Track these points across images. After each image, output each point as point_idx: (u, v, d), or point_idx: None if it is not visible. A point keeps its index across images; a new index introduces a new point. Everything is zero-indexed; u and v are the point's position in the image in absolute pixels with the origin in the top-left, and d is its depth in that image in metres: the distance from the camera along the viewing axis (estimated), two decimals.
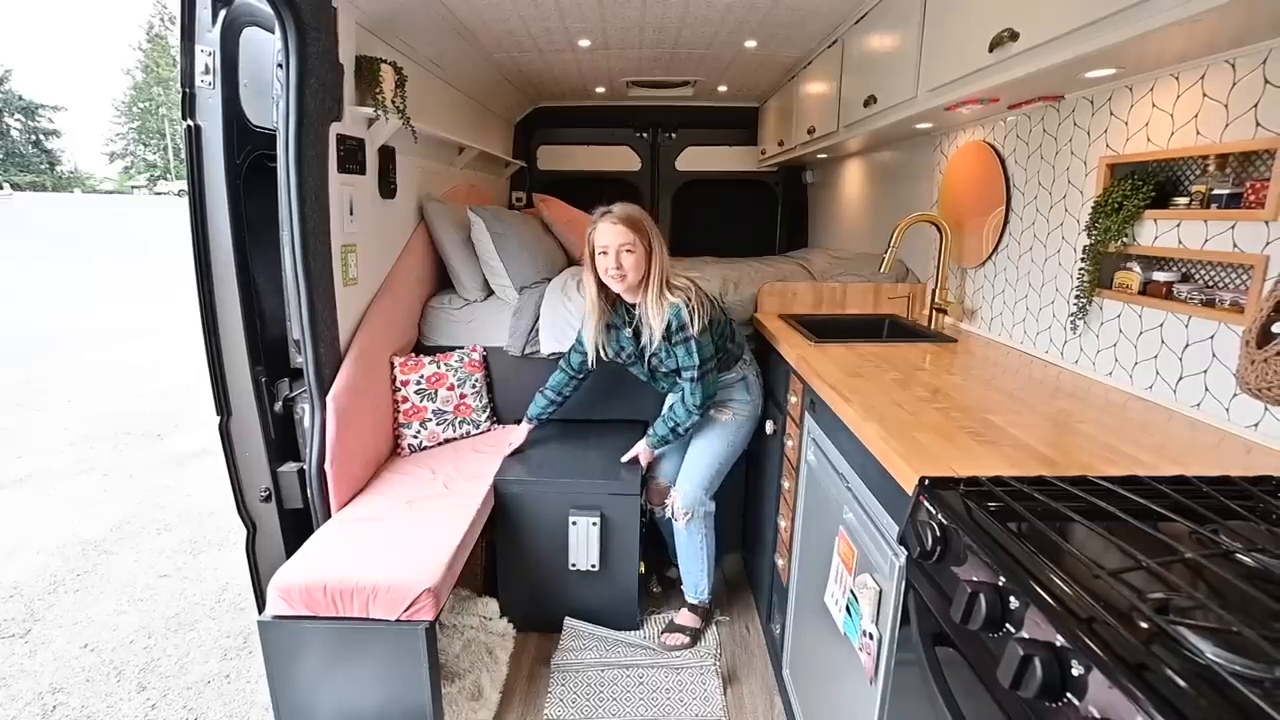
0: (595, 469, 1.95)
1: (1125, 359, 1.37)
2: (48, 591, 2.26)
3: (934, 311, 2.08)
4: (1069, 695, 0.57)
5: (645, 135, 4.05)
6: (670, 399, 2.01)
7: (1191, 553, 0.66)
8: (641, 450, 1.94)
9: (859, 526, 1.15)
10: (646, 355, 1.83)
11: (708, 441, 1.89)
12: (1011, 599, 0.67)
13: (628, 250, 1.68)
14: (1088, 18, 1.04)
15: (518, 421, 2.32)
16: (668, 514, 1.96)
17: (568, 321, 2.18)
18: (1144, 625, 0.57)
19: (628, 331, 1.85)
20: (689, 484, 1.89)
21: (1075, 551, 0.68)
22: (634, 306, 1.80)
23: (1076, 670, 0.56)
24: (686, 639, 1.95)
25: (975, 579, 0.73)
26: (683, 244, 3.80)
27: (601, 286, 1.79)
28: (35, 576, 2.35)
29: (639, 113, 3.89)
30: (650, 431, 1.90)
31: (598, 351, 1.88)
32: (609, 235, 1.69)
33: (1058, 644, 0.59)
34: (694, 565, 1.97)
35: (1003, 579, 0.69)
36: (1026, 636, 0.63)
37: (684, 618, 1.99)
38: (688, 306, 1.71)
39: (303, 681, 1.48)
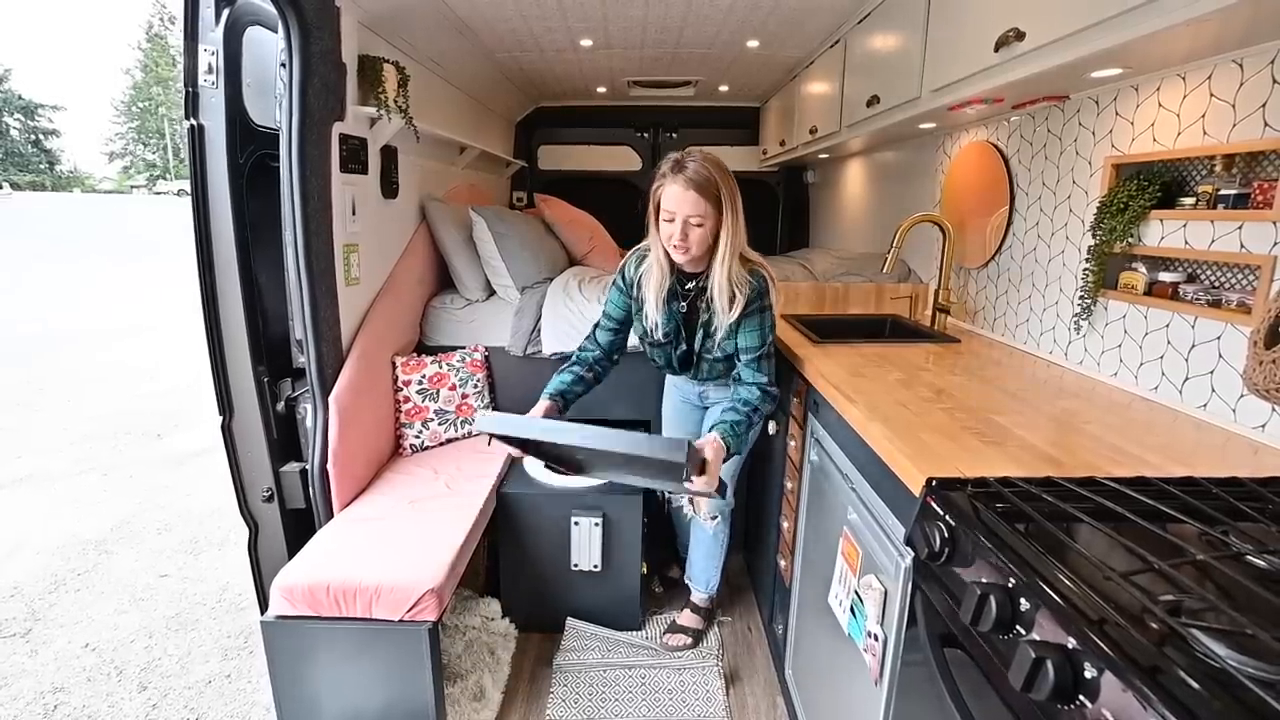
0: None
1: (1130, 359, 1.37)
2: (48, 591, 2.26)
3: (936, 312, 2.07)
4: (1081, 698, 0.57)
5: (646, 135, 4.05)
6: (673, 395, 1.96)
7: (1202, 554, 0.66)
8: (719, 455, 1.36)
9: (863, 527, 1.15)
10: (694, 335, 1.57)
11: None
12: (1022, 601, 0.66)
13: (696, 224, 1.40)
14: (1094, 17, 1.04)
15: None
16: (689, 513, 1.93)
17: (570, 322, 2.18)
18: (1156, 627, 0.56)
19: (680, 305, 1.56)
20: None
21: (1085, 553, 0.68)
22: (695, 277, 1.53)
23: (1089, 672, 0.56)
24: (688, 639, 1.94)
25: (985, 580, 0.73)
26: None
27: (667, 257, 1.50)
28: (36, 576, 2.34)
29: (640, 112, 3.89)
30: (730, 432, 1.40)
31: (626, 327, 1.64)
32: (676, 200, 1.39)
33: (1070, 646, 0.59)
34: (710, 561, 1.96)
35: (1013, 581, 0.69)
36: (1037, 638, 0.63)
37: (686, 618, 1.99)
38: (767, 274, 1.49)
39: (305, 681, 1.47)
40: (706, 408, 1.85)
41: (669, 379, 1.94)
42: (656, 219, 1.46)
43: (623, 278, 1.61)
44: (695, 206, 1.39)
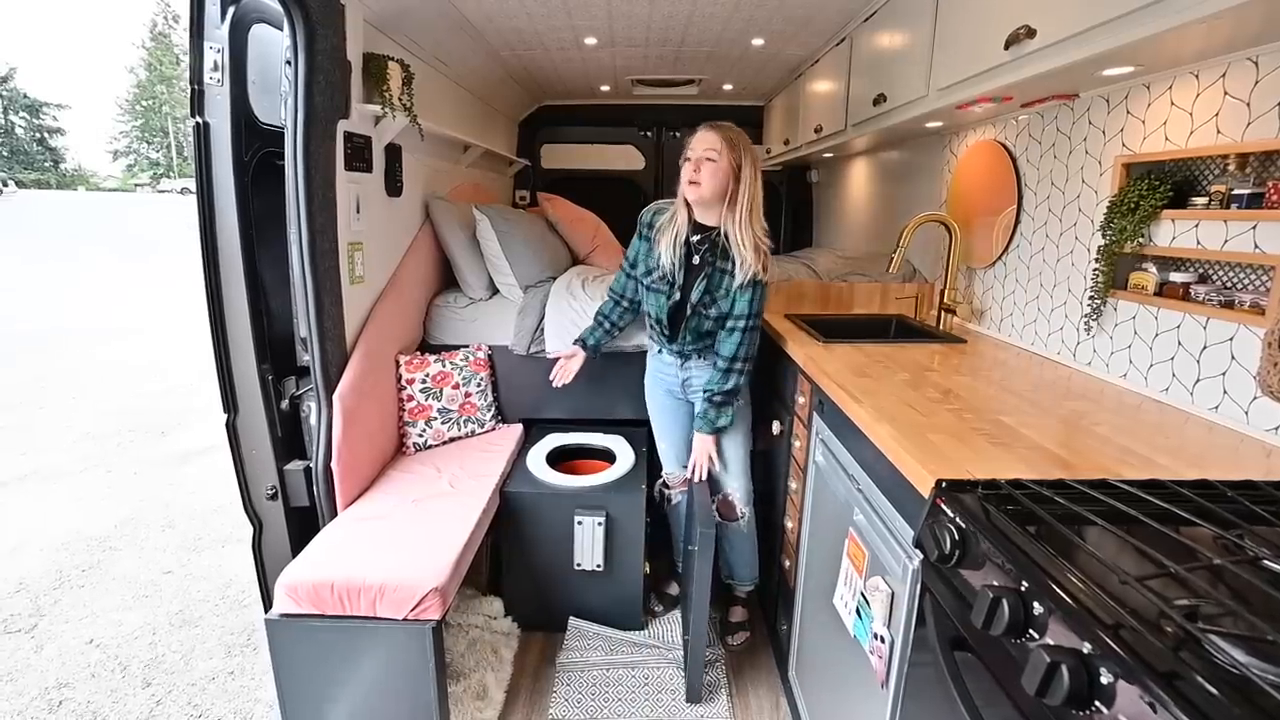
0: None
1: (1140, 361, 1.36)
2: (53, 587, 2.26)
3: (942, 312, 2.06)
4: (1097, 703, 0.56)
5: (649, 134, 4.04)
6: (657, 388, 1.93)
7: (1218, 558, 0.65)
8: (706, 446, 1.74)
9: (869, 528, 1.14)
10: (691, 286, 1.67)
11: (734, 431, 1.81)
12: (1035, 604, 0.66)
13: (709, 158, 1.56)
14: (1106, 15, 1.03)
15: (522, 421, 2.31)
16: (676, 499, 1.92)
17: (573, 321, 2.17)
18: (1173, 632, 0.55)
19: (685, 251, 1.70)
20: (738, 480, 1.85)
21: (1098, 556, 0.67)
22: (708, 232, 1.65)
23: (1105, 678, 0.55)
24: (748, 633, 1.96)
25: (996, 584, 0.72)
26: None
27: (686, 205, 1.66)
28: (40, 572, 2.35)
29: (643, 111, 3.88)
30: (702, 419, 1.72)
31: (640, 275, 1.78)
32: (697, 140, 1.59)
33: (1085, 651, 0.58)
34: (747, 554, 1.95)
35: (1025, 584, 0.68)
36: (1051, 643, 0.62)
37: (739, 614, 2.00)
38: (767, 255, 1.62)
39: (309, 679, 1.47)
40: (690, 401, 1.87)
41: (651, 369, 1.93)
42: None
43: (641, 221, 1.79)
44: (712, 143, 1.56)
